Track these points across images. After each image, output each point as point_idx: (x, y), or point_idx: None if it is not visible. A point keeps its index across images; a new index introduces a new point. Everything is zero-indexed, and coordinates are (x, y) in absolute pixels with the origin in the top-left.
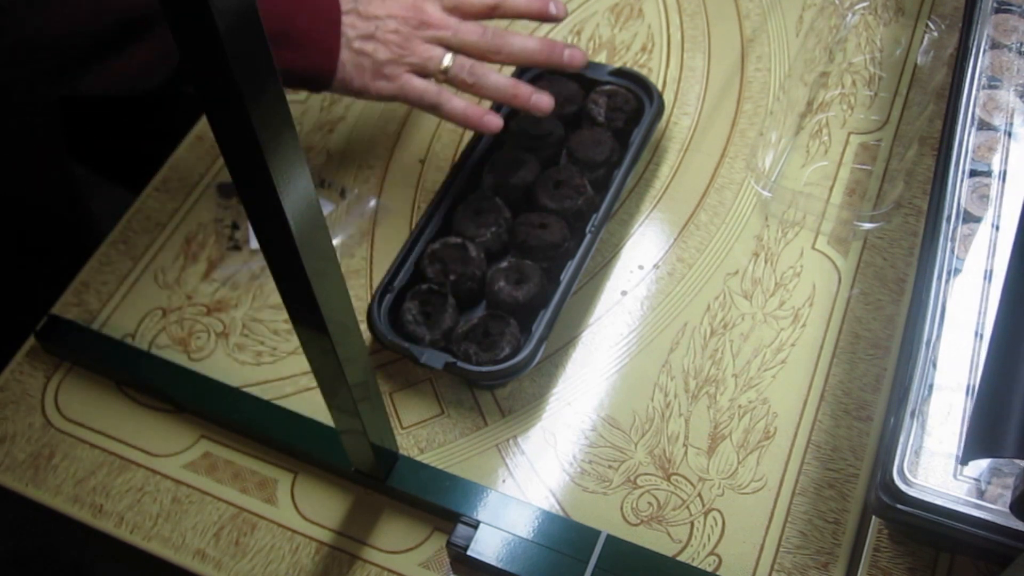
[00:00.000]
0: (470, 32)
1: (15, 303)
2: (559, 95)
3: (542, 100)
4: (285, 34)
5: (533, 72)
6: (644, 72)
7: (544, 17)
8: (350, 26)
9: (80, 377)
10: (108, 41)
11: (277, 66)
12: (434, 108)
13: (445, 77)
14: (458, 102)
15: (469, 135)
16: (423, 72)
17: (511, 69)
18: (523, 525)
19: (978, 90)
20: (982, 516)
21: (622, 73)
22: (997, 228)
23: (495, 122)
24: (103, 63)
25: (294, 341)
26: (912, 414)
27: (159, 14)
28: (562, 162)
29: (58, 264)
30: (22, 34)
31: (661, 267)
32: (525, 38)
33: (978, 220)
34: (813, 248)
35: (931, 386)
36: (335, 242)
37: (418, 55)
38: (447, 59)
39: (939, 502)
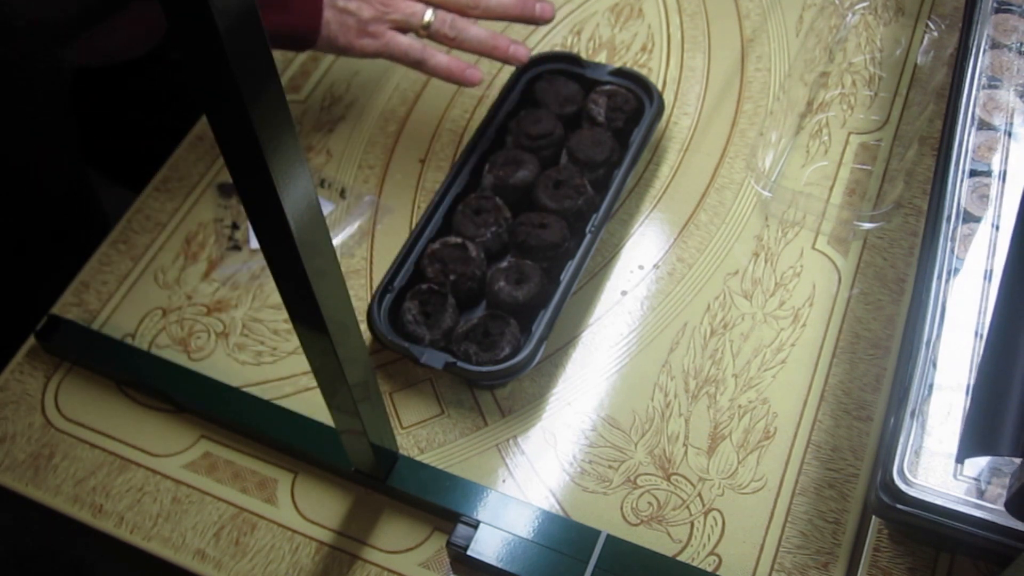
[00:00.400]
0: None
1: (15, 303)
2: (559, 95)
3: (519, 51)
4: None
5: (532, 73)
6: (644, 72)
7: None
8: None
9: (80, 377)
10: (91, 16)
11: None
12: (418, 64)
13: (427, 32)
14: (442, 57)
15: (469, 135)
16: (405, 28)
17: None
18: (523, 525)
19: (978, 90)
20: (982, 516)
21: (622, 73)
22: (997, 228)
23: (476, 75)
24: (88, 36)
25: (294, 341)
26: (912, 414)
27: None
28: (562, 162)
29: (65, 264)
30: (5, 14)
31: (661, 267)
32: None
33: (978, 220)
34: (813, 248)
35: (931, 386)
36: (335, 242)
37: (401, 11)
38: (428, 14)
39: (939, 502)
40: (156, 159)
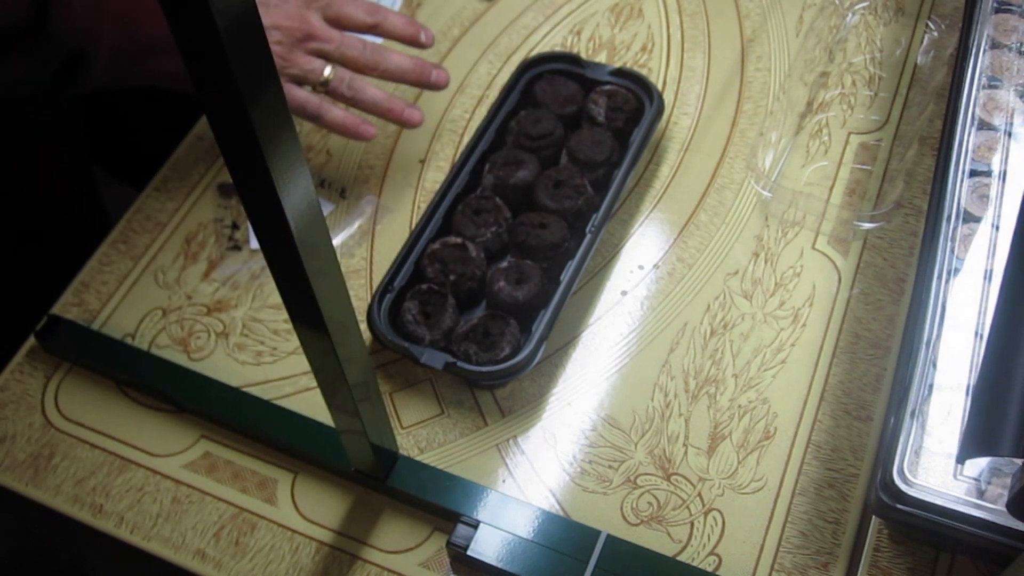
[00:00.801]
0: (351, 47)
1: (15, 303)
2: (559, 95)
3: (414, 115)
4: (162, 41)
5: (533, 72)
6: (644, 72)
7: (414, 43)
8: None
9: (80, 377)
10: None
11: (154, 74)
12: (315, 118)
13: (324, 89)
14: (337, 112)
15: (469, 135)
16: (302, 82)
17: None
18: (523, 525)
19: (978, 90)
20: (982, 516)
21: (622, 73)
22: (997, 228)
23: (370, 130)
24: None
25: (294, 341)
26: (912, 414)
27: (30, 28)
28: (562, 162)
29: (65, 264)
30: None
31: (661, 267)
32: (401, 56)
33: (978, 220)
34: (813, 248)
35: (931, 386)
36: (335, 242)
37: (300, 67)
38: (327, 71)
39: (939, 502)
40: (162, 157)
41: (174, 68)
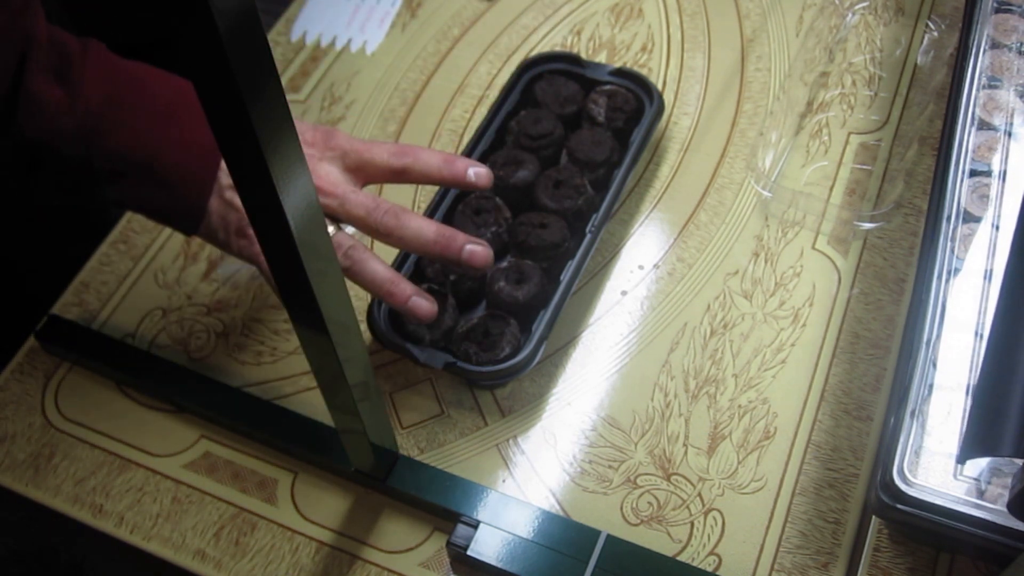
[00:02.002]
0: (357, 206)
1: (15, 303)
2: (559, 95)
3: (420, 306)
4: (151, 169)
5: (532, 72)
6: (644, 72)
7: (460, 185)
8: (226, 173)
9: (80, 377)
10: None
11: (138, 203)
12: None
13: None
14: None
15: (469, 135)
16: None
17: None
18: (523, 525)
19: (978, 90)
20: (982, 516)
21: (622, 73)
22: (997, 228)
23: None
24: None
25: (294, 341)
26: (912, 414)
27: None
28: (562, 162)
29: (65, 264)
30: None
31: (661, 267)
32: (422, 224)
33: (978, 220)
34: (813, 248)
35: (931, 386)
36: None
37: None
38: (329, 230)
39: (939, 502)
40: None
41: (156, 198)
